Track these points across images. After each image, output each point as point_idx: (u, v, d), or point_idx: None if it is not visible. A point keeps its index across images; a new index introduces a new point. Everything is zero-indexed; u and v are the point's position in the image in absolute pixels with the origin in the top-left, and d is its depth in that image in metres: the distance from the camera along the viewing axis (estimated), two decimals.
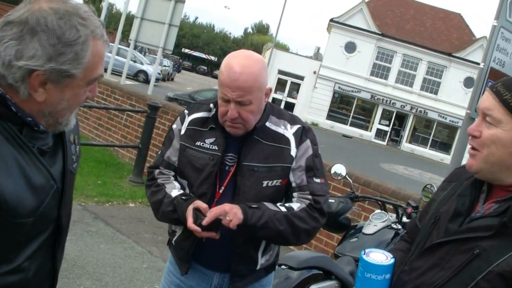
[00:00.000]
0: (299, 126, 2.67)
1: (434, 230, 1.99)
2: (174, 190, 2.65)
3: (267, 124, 2.63)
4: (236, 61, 2.47)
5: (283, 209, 2.56)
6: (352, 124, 43.87)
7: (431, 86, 42.56)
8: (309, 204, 2.60)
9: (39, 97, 1.59)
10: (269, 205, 2.55)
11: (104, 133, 11.10)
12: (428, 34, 43.46)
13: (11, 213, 1.53)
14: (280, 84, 44.06)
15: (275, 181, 2.59)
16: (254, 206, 2.49)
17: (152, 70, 15.26)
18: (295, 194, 2.63)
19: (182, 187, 2.69)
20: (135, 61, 37.67)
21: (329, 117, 43.54)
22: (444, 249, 1.89)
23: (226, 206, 2.45)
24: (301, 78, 43.97)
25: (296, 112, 39.82)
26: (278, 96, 43.34)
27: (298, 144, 2.63)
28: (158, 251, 6.31)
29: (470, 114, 6.82)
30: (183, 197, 2.58)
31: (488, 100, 1.83)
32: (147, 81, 35.35)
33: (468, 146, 1.93)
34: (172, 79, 52.34)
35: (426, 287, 1.88)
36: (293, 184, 2.63)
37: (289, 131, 2.64)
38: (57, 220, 1.77)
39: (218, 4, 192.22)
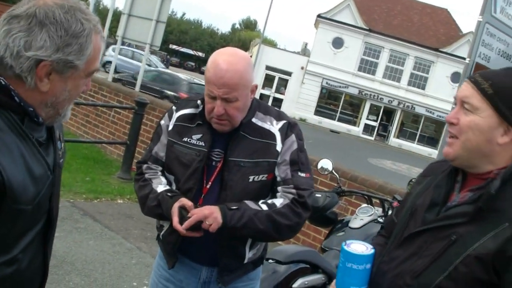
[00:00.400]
0: (285, 121, 2.71)
1: (411, 221, 2.06)
2: (160, 185, 2.69)
3: (254, 120, 2.67)
4: (222, 59, 2.51)
5: (264, 207, 2.59)
6: (340, 120, 43.99)
7: (419, 81, 42.75)
8: (292, 198, 2.63)
9: (44, 87, 1.67)
10: (251, 204, 2.58)
11: (92, 130, 11.09)
12: (415, 29, 43.60)
13: (15, 199, 1.59)
14: (268, 80, 44.10)
15: (261, 176, 2.63)
16: (234, 207, 2.53)
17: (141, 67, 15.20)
18: (279, 188, 2.66)
19: (169, 183, 2.73)
20: (149, 65, 36.81)
21: (317, 112, 43.61)
22: (422, 237, 1.97)
23: (206, 210, 2.49)
24: (289, 73, 44.01)
25: (284, 107, 39.90)
26: (266, 92, 43.41)
27: (283, 139, 2.67)
28: (147, 247, 6.34)
29: None
30: (169, 194, 2.61)
31: (466, 89, 1.93)
32: None
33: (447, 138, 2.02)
34: None
35: (406, 274, 1.95)
36: (278, 178, 2.66)
37: (275, 127, 2.68)
38: (49, 212, 1.82)
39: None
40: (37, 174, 1.68)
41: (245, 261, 2.74)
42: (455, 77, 39.69)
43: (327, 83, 43.10)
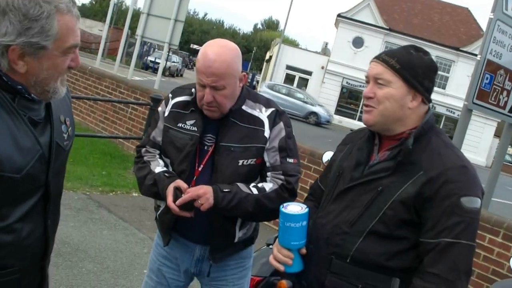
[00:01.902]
0: (273, 109, 2.88)
1: (340, 181, 2.40)
2: (158, 167, 2.87)
3: (244, 107, 2.84)
4: (211, 49, 2.69)
5: (255, 191, 2.77)
6: (360, 119, 43.58)
7: (439, 81, 42.43)
8: (281, 184, 2.81)
9: (21, 69, 1.82)
10: (242, 187, 2.76)
11: (110, 126, 11.33)
12: (436, 28, 43.38)
13: (0, 167, 1.76)
14: (288, 79, 44.24)
15: (250, 160, 2.80)
16: (226, 190, 2.70)
17: (166, 64, 15.44)
18: (269, 174, 2.84)
19: (166, 165, 2.91)
20: (306, 102, 35.85)
21: (338, 112, 43.61)
22: (352, 192, 2.33)
23: (200, 190, 2.67)
24: (309, 73, 44.13)
25: None
26: None
27: (271, 126, 2.83)
28: None
29: (468, 105, 6.97)
30: (166, 174, 2.80)
31: (377, 67, 2.31)
32: (318, 124, 34.28)
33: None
34: (181, 75, 52.62)
35: (343, 224, 2.29)
36: (267, 164, 2.83)
37: (263, 114, 2.85)
38: (46, 186, 1.98)
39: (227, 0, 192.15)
40: (23, 146, 1.84)
41: (236, 240, 2.91)
42: None
43: (347, 82, 43.11)
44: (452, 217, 2.12)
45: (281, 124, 2.86)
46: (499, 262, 5.81)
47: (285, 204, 2.38)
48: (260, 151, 2.81)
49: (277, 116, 2.86)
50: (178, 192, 2.68)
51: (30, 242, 1.96)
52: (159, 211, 2.98)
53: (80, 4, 80.00)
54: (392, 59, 2.27)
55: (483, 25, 46.94)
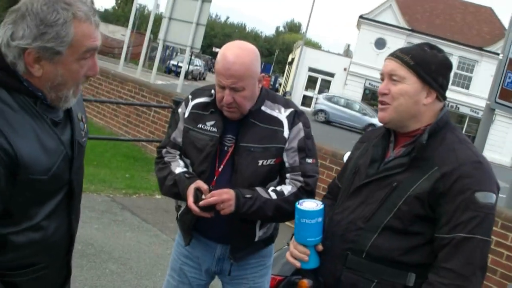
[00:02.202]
0: (292, 109, 2.91)
1: (355, 178, 2.42)
2: (178, 167, 2.92)
3: (263, 108, 2.87)
4: (230, 52, 2.73)
5: (274, 196, 2.80)
6: None
7: (463, 81, 42.21)
8: (300, 187, 2.84)
9: (36, 73, 1.86)
10: (262, 192, 2.79)
11: (133, 130, 11.43)
12: (459, 28, 43.05)
13: (29, 170, 1.82)
14: (311, 82, 44.22)
15: (269, 161, 2.83)
16: (248, 196, 2.74)
17: (185, 66, 15.53)
18: (288, 175, 2.87)
19: (186, 166, 2.96)
20: (365, 114, 35.46)
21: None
22: (367, 188, 2.36)
23: (225, 196, 2.70)
24: (332, 75, 44.04)
25: None
26: (309, 93, 43.52)
27: (291, 126, 2.86)
28: None
29: (490, 104, 6.95)
30: (186, 175, 2.84)
31: (391, 64, 2.34)
32: None
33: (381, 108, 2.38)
34: (204, 78, 52.80)
35: (358, 220, 2.33)
36: (286, 165, 2.86)
37: (282, 114, 2.88)
38: (69, 184, 2.04)
39: (249, 3, 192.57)
40: (49, 148, 1.90)
41: (256, 239, 2.95)
42: None
43: (370, 84, 42.92)
44: (466, 212, 2.13)
45: (300, 125, 2.89)
46: None
47: (300, 201, 2.42)
48: (280, 151, 2.84)
49: (296, 116, 2.89)
50: (198, 193, 2.72)
51: (56, 238, 2.03)
52: (180, 211, 3.02)
53: (103, 10, 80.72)
54: (406, 56, 2.30)
55: (507, 24, 46.50)
